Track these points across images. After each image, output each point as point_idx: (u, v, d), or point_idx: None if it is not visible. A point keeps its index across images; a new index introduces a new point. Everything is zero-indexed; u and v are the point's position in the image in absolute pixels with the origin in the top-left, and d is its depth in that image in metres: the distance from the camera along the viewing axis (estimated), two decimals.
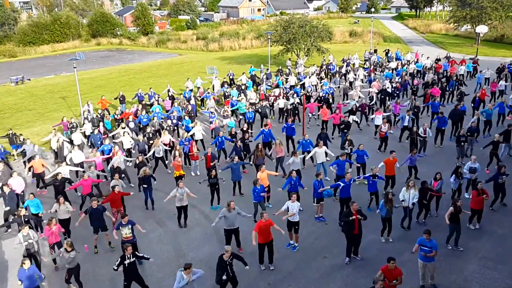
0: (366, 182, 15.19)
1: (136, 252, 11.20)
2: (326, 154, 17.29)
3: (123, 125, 21.27)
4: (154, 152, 18.53)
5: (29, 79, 43.75)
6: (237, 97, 26.38)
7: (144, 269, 12.53)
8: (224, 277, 10.56)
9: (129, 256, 10.75)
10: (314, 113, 24.07)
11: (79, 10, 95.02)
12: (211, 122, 22.78)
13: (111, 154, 18.19)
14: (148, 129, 20.53)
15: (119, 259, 10.74)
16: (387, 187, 15.99)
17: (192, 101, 25.69)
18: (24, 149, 19.25)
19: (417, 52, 39.40)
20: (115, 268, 10.72)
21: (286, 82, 31.34)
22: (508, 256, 12.55)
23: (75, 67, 27.18)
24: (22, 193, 15.84)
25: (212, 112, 23.36)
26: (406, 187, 13.54)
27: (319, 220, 14.77)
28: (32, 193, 14.57)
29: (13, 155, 21.43)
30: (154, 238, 14.19)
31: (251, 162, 18.24)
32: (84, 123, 22.48)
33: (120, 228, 12.26)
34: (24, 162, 19.19)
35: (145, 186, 15.84)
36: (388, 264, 9.91)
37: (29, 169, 17.85)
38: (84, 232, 13.96)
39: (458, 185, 14.80)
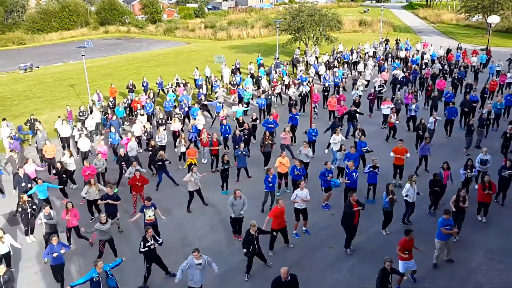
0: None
1: (153, 235, 11.33)
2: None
3: (142, 112, 21.96)
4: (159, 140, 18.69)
5: (38, 67, 43.92)
6: (247, 86, 26.61)
7: None
8: (245, 251, 11.19)
9: (150, 238, 11.01)
10: (317, 104, 23.97)
11: None
12: (217, 112, 22.89)
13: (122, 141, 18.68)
14: (161, 115, 21.20)
15: (142, 241, 11.00)
16: (395, 177, 16.02)
17: (203, 90, 25.93)
18: (36, 135, 19.67)
19: (425, 42, 39.11)
20: (142, 250, 11.00)
21: (298, 71, 31.51)
22: None
23: (84, 55, 27.26)
24: (34, 179, 15.97)
25: (219, 102, 23.33)
26: (410, 183, 13.24)
27: (326, 208, 14.79)
28: (40, 178, 14.79)
29: (28, 140, 21.95)
30: (160, 226, 14.20)
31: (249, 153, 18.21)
32: (92, 111, 22.59)
33: (144, 210, 12.65)
34: (37, 148, 19.47)
35: (161, 168, 16.39)
36: (407, 236, 10.56)
37: (42, 156, 18.21)
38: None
39: (465, 177, 14.66)
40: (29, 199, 13.58)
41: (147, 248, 10.97)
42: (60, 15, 73.41)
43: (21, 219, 13.55)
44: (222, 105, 23.56)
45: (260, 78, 28.08)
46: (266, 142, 17.45)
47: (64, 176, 16.01)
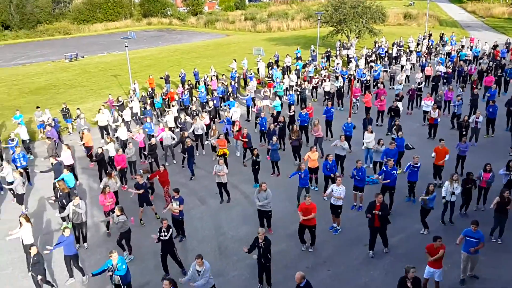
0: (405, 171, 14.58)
1: (169, 226, 11.30)
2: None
3: (173, 103, 22.10)
4: (193, 130, 18.74)
5: (83, 56, 45.35)
6: (281, 79, 26.21)
7: (185, 244, 12.88)
8: (255, 256, 10.78)
9: (164, 229, 11.04)
10: (357, 98, 23.43)
11: None
12: (247, 106, 23.08)
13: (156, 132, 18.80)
14: (194, 107, 21.11)
15: (158, 231, 11.16)
16: (435, 178, 15.43)
17: (234, 83, 25.89)
18: (77, 123, 20.29)
19: (473, 37, 37.42)
20: (153, 236, 11.15)
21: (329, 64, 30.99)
22: None
23: (127, 46, 27.84)
24: (71, 165, 16.47)
25: (247, 94, 23.37)
26: (450, 181, 12.80)
27: (353, 208, 14.37)
28: (66, 168, 15.14)
29: (67, 128, 22.53)
30: (195, 215, 14.46)
31: (283, 147, 18.58)
32: (132, 100, 23.08)
33: (172, 201, 12.69)
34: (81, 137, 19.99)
35: (188, 155, 16.58)
36: (434, 243, 9.92)
37: (83, 144, 18.66)
38: (132, 206, 14.41)
39: (507, 179, 13.81)
40: (61, 188, 13.58)
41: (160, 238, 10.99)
42: (105, 6, 75.43)
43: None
44: (254, 98, 23.60)
45: (296, 72, 27.72)
46: (292, 136, 17.31)
47: (103, 161, 16.37)
